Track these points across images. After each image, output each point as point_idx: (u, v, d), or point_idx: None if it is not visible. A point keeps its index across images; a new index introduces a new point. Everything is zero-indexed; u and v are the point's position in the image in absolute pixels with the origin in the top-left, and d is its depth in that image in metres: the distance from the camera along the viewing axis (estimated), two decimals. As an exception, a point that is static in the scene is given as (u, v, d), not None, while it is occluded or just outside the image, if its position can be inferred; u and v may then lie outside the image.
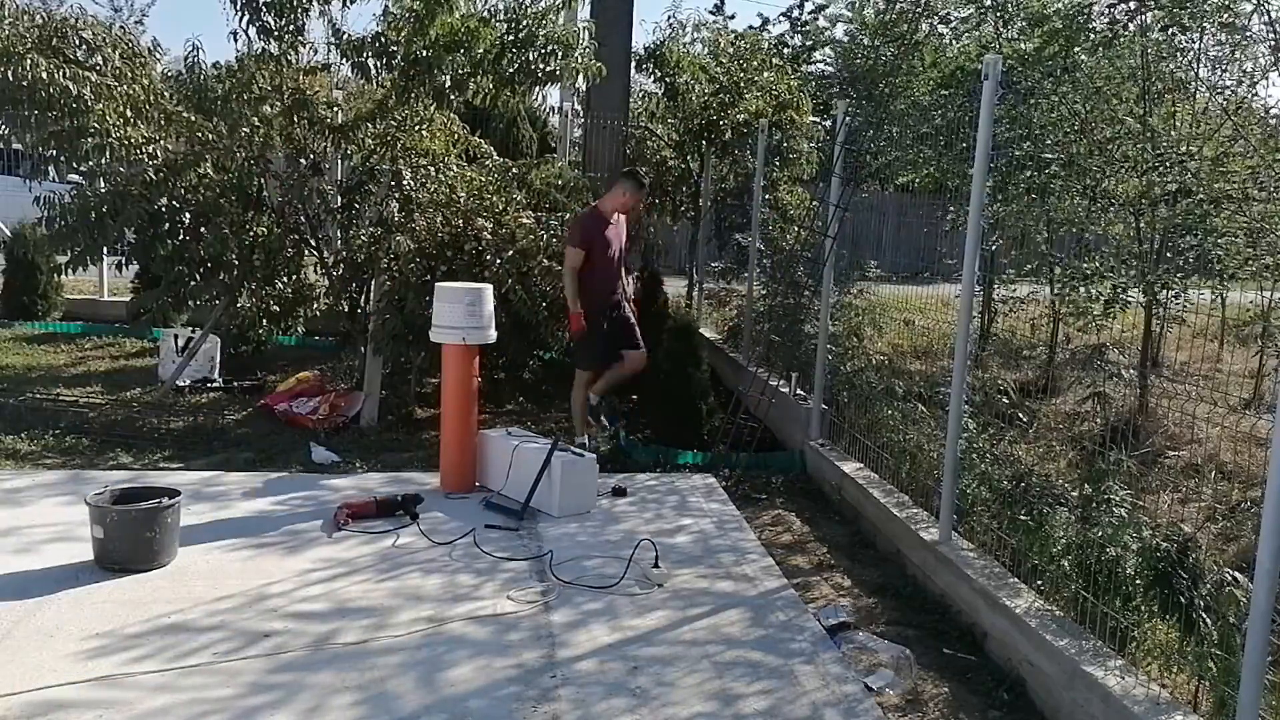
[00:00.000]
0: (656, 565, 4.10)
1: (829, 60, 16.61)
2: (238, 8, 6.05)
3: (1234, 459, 5.12)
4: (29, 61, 5.62)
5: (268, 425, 6.31)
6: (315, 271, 7.03)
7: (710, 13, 15.95)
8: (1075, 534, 3.73)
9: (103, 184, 6.27)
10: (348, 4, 6.47)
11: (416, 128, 6.70)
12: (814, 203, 7.21)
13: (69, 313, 10.06)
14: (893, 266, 8.86)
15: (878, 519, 4.85)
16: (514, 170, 7.32)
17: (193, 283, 6.44)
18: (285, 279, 6.73)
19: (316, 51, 6.72)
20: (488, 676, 3.22)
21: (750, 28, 15.62)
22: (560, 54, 6.43)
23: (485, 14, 6.33)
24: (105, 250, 6.37)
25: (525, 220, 6.58)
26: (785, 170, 9.21)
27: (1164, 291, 6.33)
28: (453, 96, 6.54)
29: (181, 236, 6.51)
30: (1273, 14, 6.13)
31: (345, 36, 6.40)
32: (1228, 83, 7.05)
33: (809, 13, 16.94)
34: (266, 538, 4.32)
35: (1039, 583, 3.69)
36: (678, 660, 3.39)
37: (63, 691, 2.99)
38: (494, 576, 4.04)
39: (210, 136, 6.26)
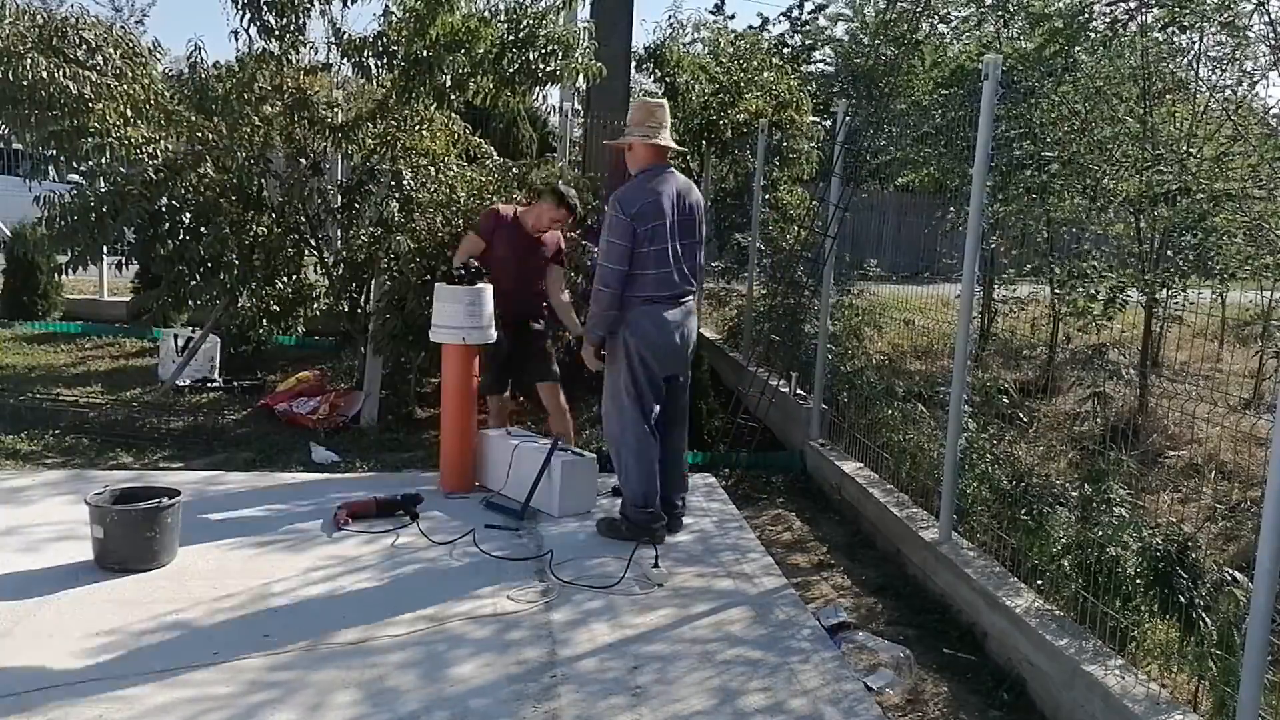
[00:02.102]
0: (656, 564, 4.10)
1: (829, 60, 16.61)
2: (238, 7, 6.04)
3: (1234, 459, 5.12)
4: (29, 61, 5.62)
5: (268, 425, 6.31)
6: (315, 271, 7.03)
7: (710, 13, 15.97)
8: (1075, 534, 3.73)
9: (103, 184, 6.26)
10: (348, 4, 6.48)
11: (417, 128, 6.70)
12: (814, 203, 7.21)
13: (69, 313, 10.07)
14: (893, 266, 8.86)
15: (878, 519, 4.85)
16: (514, 170, 7.32)
17: (193, 283, 6.43)
18: (285, 279, 6.73)
19: (317, 51, 6.72)
20: (488, 675, 3.22)
21: (750, 28, 15.63)
22: (560, 54, 6.43)
23: (486, 14, 6.33)
24: (105, 250, 6.37)
25: (525, 220, 6.57)
26: (785, 170, 9.22)
27: (1163, 291, 6.33)
28: (453, 96, 6.54)
29: (181, 236, 6.51)
30: (1273, 14, 6.13)
31: (346, 36, 6.40)
32: (1228, 82, 7.05)
33: (809, 12, 16.95)
34: (267, 537, 4.32)
35: (1039, 582, 3.70)
36: (678, 658, 3.40)
37: (63, 690, 2.99)
38: (494, 576, 4.04)
39: (210, 136, 6.26)
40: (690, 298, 4.56)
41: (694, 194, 4.58)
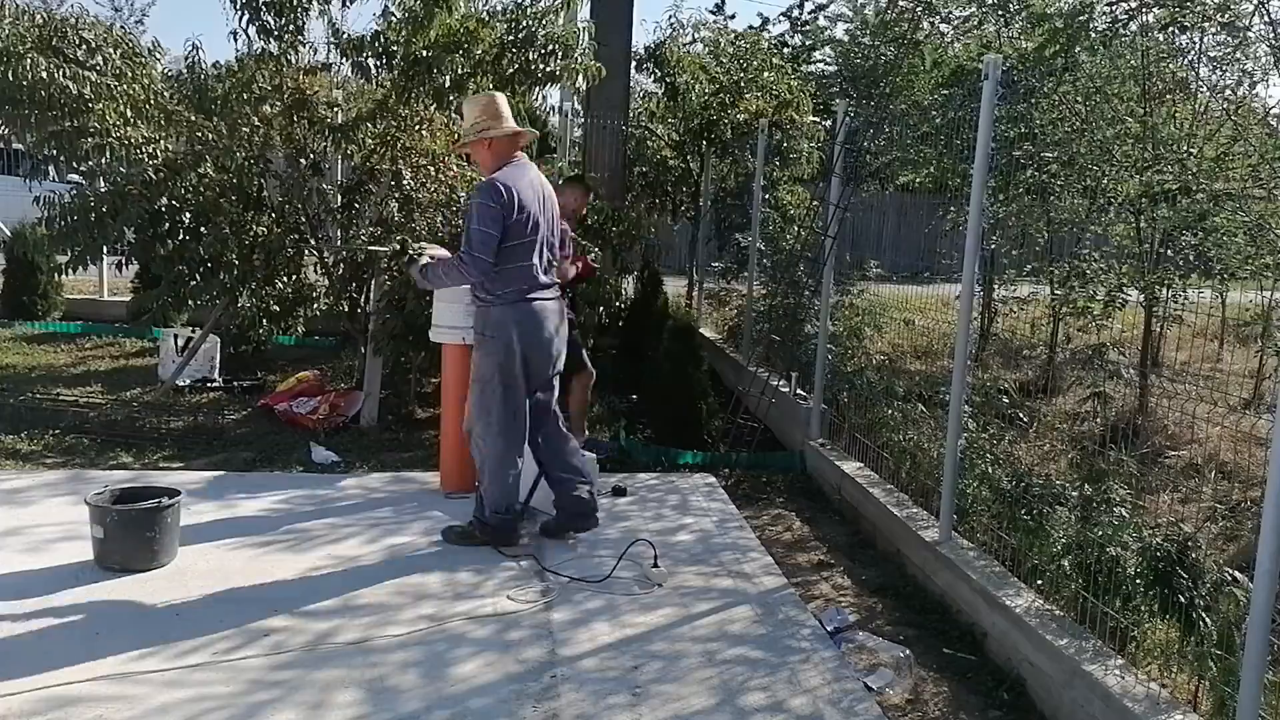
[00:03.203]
0: (656, 564, 4.10)
1: (829, 60, 16.60)
2: (237, 7, 6.04)
3: (1234, 459, 5.12)
4: (29, 61, 5.62)
5: (268, 425, 6.31)
6: (315, 271, 7.03)
7: (710, 13, 15.97)
8: (1075, 534, 3.73)
9: (103, 184, 6.25)
10: (347, 4, 6.48)
11: (416, 128, 6.69)
12: (814, 203, 7.21)
13: (69, 313, 10.06)
14: (893, 266, 8.85)
15: (878, 519, 4.85)
16: (514, 170, 7.31)
17: (193, 283, 6.43)
18: (285, 279, 6.72)
19: (316, 51, 6.71)
20: (489, 674, 3.22)
21: (750, 28, 15.60)
22: (560, 54, 6.42)
23: (484, 15, 6.33)
24: (105, 250, 6.37)
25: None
26: (785, 170, 9.22)
27: (1164, 291, 6.33)
28: (452, 97, 6.53)
29: (181, 236, 6.50)
30: (1273, 14, 6.14)
31: (345, 36, 6.40)
32: (1228, 82, 7.06)
33: (809, 12, 16.94)
34: (267, 537, 4.32)
35: (1039, 582, 3.70)
36: (678, 658, 3.40)
37: (64, 690, 2.99)
38: (494, 575, 4.04)
39: (210, 136, 6.26)
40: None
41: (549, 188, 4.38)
